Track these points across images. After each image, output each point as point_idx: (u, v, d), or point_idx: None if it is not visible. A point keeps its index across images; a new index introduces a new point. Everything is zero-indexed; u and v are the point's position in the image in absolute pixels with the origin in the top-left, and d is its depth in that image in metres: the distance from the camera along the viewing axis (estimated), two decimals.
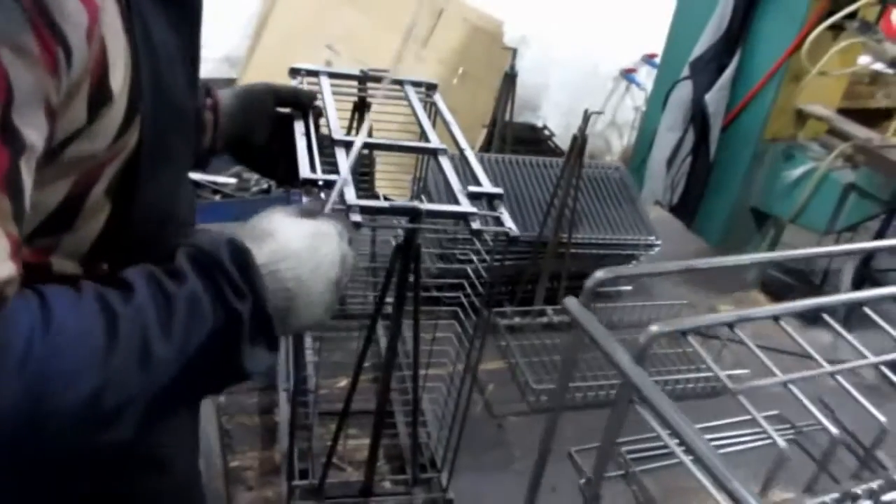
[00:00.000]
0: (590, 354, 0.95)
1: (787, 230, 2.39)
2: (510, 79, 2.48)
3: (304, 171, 0.81)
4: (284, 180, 1.01)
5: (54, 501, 0.69)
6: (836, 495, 0.51)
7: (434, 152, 0.93)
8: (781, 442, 0.41)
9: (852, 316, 0.75)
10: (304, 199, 0.76)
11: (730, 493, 0.29)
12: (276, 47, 3.08)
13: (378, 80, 1.09)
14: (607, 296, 1.58)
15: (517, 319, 1.44)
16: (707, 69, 2.34)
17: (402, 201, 0.87)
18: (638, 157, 2.73)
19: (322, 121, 0.97)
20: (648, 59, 3.85)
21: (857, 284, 2.23)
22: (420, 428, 1.06)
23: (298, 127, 0.92)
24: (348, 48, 3.02)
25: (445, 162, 0.91)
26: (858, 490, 0.51)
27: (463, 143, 0.97)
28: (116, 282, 0.54)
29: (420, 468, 1.05)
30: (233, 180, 2.78)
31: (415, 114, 1.03)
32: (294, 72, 1.06)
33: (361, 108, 1.12)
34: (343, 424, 0.96)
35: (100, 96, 0.53)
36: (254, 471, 1.05)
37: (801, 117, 2.29)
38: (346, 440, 1.06)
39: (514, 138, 3.08)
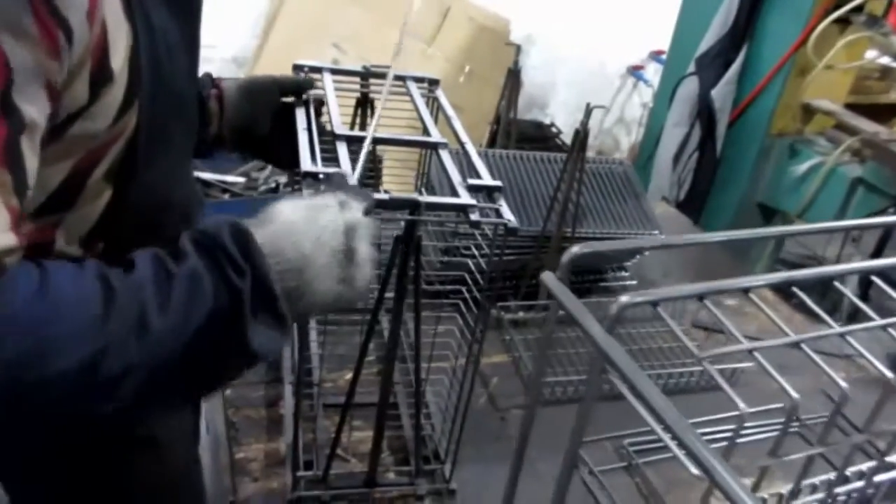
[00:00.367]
0: (591, 349, 0.96)
1: (795, 224, 2.38)
2: (514, 75, 2.49)
3: (306, 163, 0.82)
4: (286, 166, 1.04)
5: (52, 478, 0.70)
6: (829, 477, 0.52)
7: (435, 146, 0.94)
8: (742, 405, 0.42)
9: (858, 315, 0.76)
10: (306, 192, 0.77)
11: (687, 448, 0.30)
12: (282, 47, 3.11)
13: (380, 76, 1.10)
14: (612, 290, 1.59)
15: (521, 314, 1.45)
16: (713, 64, 2.34)
17: (402, 194, 0.88)
18: (645, 153, 2.73)
19: (324, 117, 0.99)
20: (656, 55, 3.84)
21: (866, 280, 2.22)
22: (424, 420, 1.07)
23: (300, 120, 0.93)
24: (354, 47, 3.03)
25: (446, 155, 0.92)
26: (848, 472, 0.51)
27: (464, 138, 0.98)
28: (120, 261, 0.56)
29: (423, 460, 1.05)
30: (241, 179, 2.80)
31: (416, 109, 1.04)
32: (297, 68, 1.07)
33: (364, 104, 1.14)
34: (346, 416, 0.98)
35: (101, 76, 0.56)
36: (259, 462, 1.06)
37: (808, 112, 2.29)
38: (350, 432, 1.07)
39: (521, 136, 3.08)
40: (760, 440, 1.18)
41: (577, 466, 0.43)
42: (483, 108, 3.18)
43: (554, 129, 3.65)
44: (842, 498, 0.63)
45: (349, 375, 1.21)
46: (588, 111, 1.27)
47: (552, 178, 1.54)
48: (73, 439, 0.62)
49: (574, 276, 1.48)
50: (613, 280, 1.62)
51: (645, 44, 3.87)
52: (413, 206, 0.79)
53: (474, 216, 0.81)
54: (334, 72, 1.08)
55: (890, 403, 0.58)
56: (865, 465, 0.55)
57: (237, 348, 0.58)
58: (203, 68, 0.83)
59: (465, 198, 0.83)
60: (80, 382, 0.50)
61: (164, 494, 0.83)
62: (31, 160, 0.51)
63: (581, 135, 1.30)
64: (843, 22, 2.09)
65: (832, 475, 0.54)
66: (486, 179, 0.88)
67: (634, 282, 1.64)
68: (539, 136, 3.53)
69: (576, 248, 0.46)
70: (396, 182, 1.59)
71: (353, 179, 0.79)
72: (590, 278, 1.60)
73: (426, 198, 0.79)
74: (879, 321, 0.54)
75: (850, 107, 2.29)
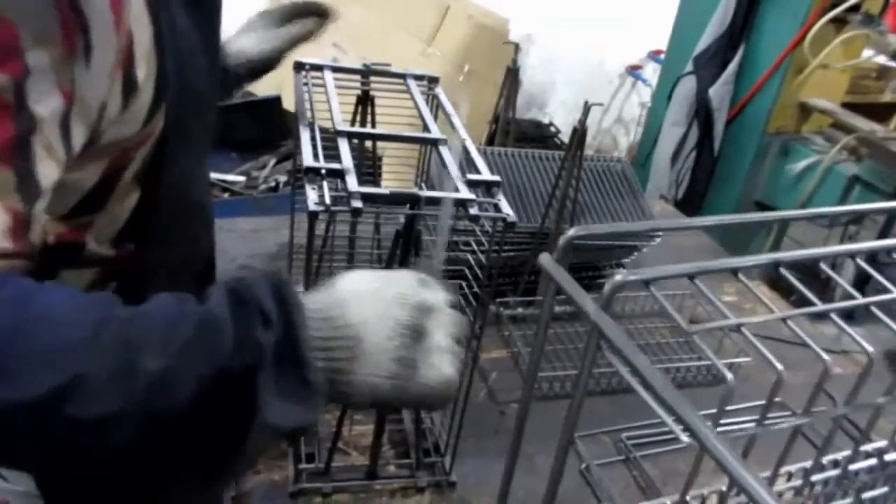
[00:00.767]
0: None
1: (792, 223, 2.40)
2: (513, 73, 2.50)
3: (308, 159, 0.83)
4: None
5: None
6: (806, 465, 0.53)
7: (434, 142, 0.95)
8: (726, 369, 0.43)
9: (857, 312, 0.76)
10: (308, 187, 0.78)
11: (679, 417, 0.31)
12: None
13: (380, 73, 1.12)
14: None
15: (520, 310, 1.46)
16: (711, 64, 2.36)
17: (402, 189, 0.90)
18: (643, 152, 2.74)
19: (325, 114, 1.00)
20: (654, 55, 3.86)
21: (860, 279, 2.24)
22: (424, 414, 1.08)
23: (302, 119, 0.95)
24: (355, 47, 3.04)
25: (445, 151, 0.94)
26: (824, 461, 0.53)
27: (463, 134, 1.00)
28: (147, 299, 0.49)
29: (424, 453, 1.07)
30: (241, 178, 2.81)
31: (416, 106, 1.05)
32: (298, 66, 1.09)
33: (365, 101, 1.15)
34: (347, 410, 0.99)
35: (128, 86, 0.55)
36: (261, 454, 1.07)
37: (805, 111, 2.30)
38: (351, 425, 1.09)
39: (519, 135, 3.09)
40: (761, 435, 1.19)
41: (573, 443, 0.44)
42: (482, 108, 3.19)
43: (552, 129, 3.67)
44: (819, 486, 0.65)
45: None
46: (586, 108, 1.28)
47: (550, 175, 1.55)
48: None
49: (572, 273, 1.50)
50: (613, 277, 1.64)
51: (644, 44, 3.89)
52: (413, 201, 0.80)
53: (473, 210, 0.82)
54: (335, 69, 1.09)
55: (875, 384, 0.59)
56: (841, 455, 0.56)
57: (249, 415, 0.46)
58: None
59: (464, 192, 0.84)
60: (41, 415, 0.41)
61: None
62: (46, 163, 0.48)
63: (579, 132, 1.31)
64: (840, 21, 2.11)
65: (809, 464, 0.55)
66: (485, 175, 0.89)
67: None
68: (538, 136, 3.54)
69: (572, 231, 0.47)
70: (396, 180, 1.61)
71: (352, 174, 0.80)
72: (588, 275, 1.61)
73: (426, 192, 0.81)
74: (863, 299, 0.55)
75: (848, 106, 2.31)
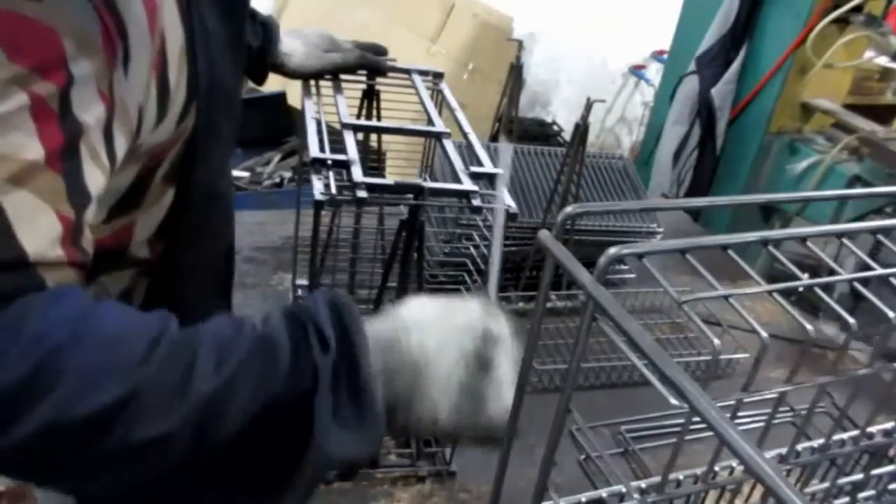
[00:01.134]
0: (594, 339, 0.99)
1: (793, 223, 2.41)
2: (516, 71, 2.51)
3: (314, 150, 0.84)
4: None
5: None
6: (782, 451, 0.55)
7: (438, 135, 0.97)
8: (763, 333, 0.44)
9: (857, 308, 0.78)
10: (314, 179, 0.80)
11: (670, 381, 0.33)
12: None
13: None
14: (612, 283, 1.62)
15: (521, 304, 1.47)
16: (713, 63, 2.37)
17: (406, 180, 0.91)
18: (646, 151, 2.75)
19: (331, 109, 1.02)
20: (657, 55, 3.87)
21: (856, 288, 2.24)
22: None
23: (309, 111, 0.96)
24: None
25: (449, 145, 0.95)
26: (799, 447, 0.54)
27: (467, 128, 1.01)
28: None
29: (424, 443, 1.08)
30: (246, 174, 2.83)
31: (421, 100, 1.07)
32: None
33: (370, 95, 1.17)
34: None
35: (163, 90, 0.56)
36: None
37: (807, 111, 2.31)
38: None
39: (522, 133, 3.11)
40: (752, 429, 1.20)
41: (569, 411, 0.46)
42: (486, 106, 3.20)
43: (555, 127, 3.68)
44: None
45: None
46: (588, 105, 1.30)
47: (553, 171, 1.56)
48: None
49: None
50: (613, 273, 1.65)
51: (647, 43, 3.90)
52: (417, 191, 0.82)
53: (476, 202, 0.84)
54: None
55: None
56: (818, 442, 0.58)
57: (305, 442, 0.45)
58: None
59: (467, 184, 0.86)
60: (96, 431, 0.41)
61: None
62: (93, 170, 0.48)
63: (581, 128, 1.33)
64: (843, 22, 2.12)
65: (783, 450, 0.57)
66: (488, 167, 0.91)
67: (633, 275, 1.67)
68: (540, 134, 3.56)
69: (569, 209, 0.49)
70: (400, 173, 1.62)
71: (357, 165, 0.82)
72: (590, 270, 1.62)
73: (430, 183, 0.82)
74: (845, 276, 0.56)
75: (851, 108, 2.32)
